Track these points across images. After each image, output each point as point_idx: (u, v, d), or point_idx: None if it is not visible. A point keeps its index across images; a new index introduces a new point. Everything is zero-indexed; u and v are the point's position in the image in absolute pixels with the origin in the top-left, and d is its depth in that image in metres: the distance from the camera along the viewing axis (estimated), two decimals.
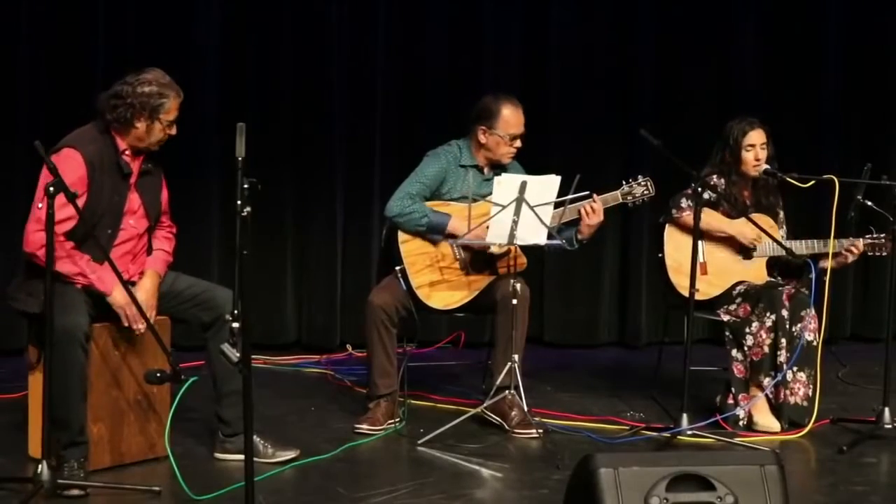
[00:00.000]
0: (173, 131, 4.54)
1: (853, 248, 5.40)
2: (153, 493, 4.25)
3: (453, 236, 5.17)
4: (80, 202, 4.32)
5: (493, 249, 5.15)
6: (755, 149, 5.45)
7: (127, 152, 4.52)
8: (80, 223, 4.31)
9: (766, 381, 5.24)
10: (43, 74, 6.45)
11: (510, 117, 5.27)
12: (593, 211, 5.16)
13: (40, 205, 4.13)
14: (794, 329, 5.25)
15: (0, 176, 6.47)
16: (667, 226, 5.51)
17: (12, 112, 6.49)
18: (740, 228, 5.42)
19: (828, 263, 5.34)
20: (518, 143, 5.29)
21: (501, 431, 5.16)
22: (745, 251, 5.46)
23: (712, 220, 5.42)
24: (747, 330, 5.29)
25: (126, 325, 4.45)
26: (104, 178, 4.44)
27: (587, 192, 5.18)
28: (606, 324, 7.37)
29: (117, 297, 4.41)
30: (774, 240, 5.32)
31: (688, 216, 5.27)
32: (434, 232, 5.21)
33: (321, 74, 6.90)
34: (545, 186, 4.92)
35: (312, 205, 6.97)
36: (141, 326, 4.45)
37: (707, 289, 5.40)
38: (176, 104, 4.52)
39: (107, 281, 4.40)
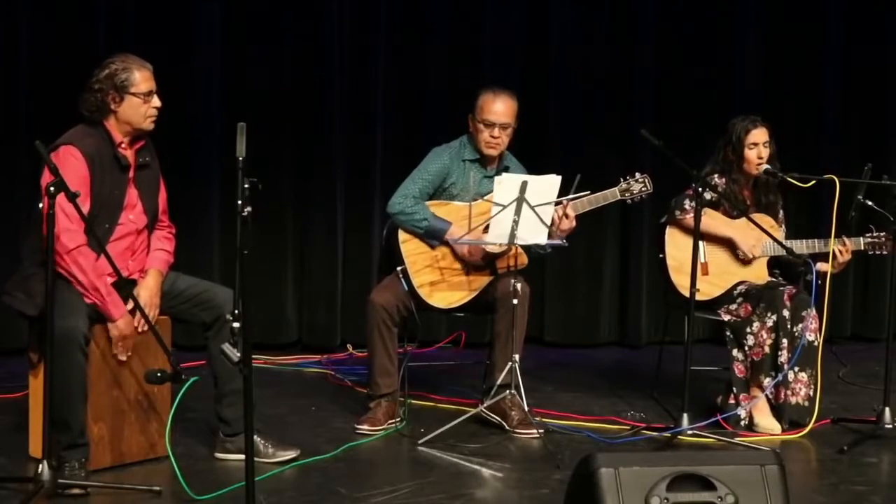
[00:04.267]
0: (157, 103, 4.51)
1: (841, 250, 5.38)
2: (154, 492, 4.25)
3: (448, 244, 5.20)
4: (86, 199, 4.32)
5: (492, 249, 5.15)
6: (758, 147, 5.45)
7: (122, 145, 4.52)
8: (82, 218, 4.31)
9: (767, 381, 5.24)
10: (43, 75, 6.45)
11: (485, 103, 5.25)
12: (566, 216, 5.16)
13: (40, 204, 4.10)
14: (795, 329, 5.25)
15: (0, 177, 6.47)
16: (668, 227, 5.51)
17: (12, 113, 6.50)
18: (741, 236, 5.42)
19: (827, 265, 5.34)
20: (496, 133, 5.25)
21: (502, 431, 5.16)
22: (745, 257, 5.45)
23: (713, 222, 5.42)
24: (748, 330, 5.29)
25: (114, 351, 4.46)
26: (104, 172, 4.44)
27: (587, 192, 5.19)
28: (607, 324, 7.37)
29: (120, 326, 4.43)
30: (774, 239, 5.32)
31: (691, 218, 5.26)
32: (431, 237, 5.21)
33: (321, 74, 6.90)
34: (546, 186, 4.92)
35: (312, 205, 6.97)
36: (125, 357, 4.48)
37: (708, 289, 5.40)
38: (144, 75, 4.48)
39: (118, 305, 4.41)
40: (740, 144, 5.45)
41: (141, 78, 4.48)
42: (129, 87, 4.45)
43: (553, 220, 5.06)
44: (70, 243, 4.30)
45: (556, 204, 5.00)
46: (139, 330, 4.49)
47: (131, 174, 4.55)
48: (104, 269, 4.35)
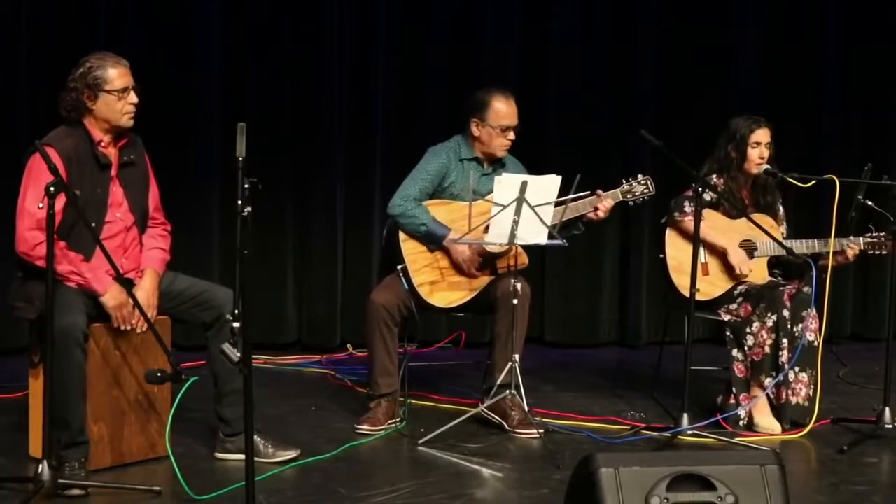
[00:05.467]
0: (133, 99, 4.49)
1: (852, 247, 5.39)
2: (154, 492, 4.25)
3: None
4: (60, 197, 4.29)
5: (492, 249, 5.15)
6: (760, 147, 5.45)
7: (103, 143, 4.50)
8: (65, 218, 4.31)
9: (767, 381, 5.24)
10: (42, 75, 6.44)
11: (501, 108, 5.28)
12: (604, 211, 5.19)
13: (41, 205, 4.11)
14: (795, 329, 5.25)
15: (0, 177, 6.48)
16: (667, 228, 5.51)
17: (12, 114, 6.49)
18: (736, 254, 5.40)
19: (828, 262, 5.34)
20: (511, 136, 5.29)
21: (502, 431, 5.16)
22: (735, 273, 5.45)
23: (710, 231, 5.40)
24: (748, 330, 5.29)
25: (115, 325, 4.46)
26: (83, 171, 4.43)
27: (588, 192, 5.19)
28: (607, 323, 7.37)
29: (110, 297, 4.42)
30: (774, 239, 5.32)
31: (690, 221, 5.25)
32: (429, 241, 5.22)
33: (321, 74, 6.90)
34: (546, 186, 4.92)
35: (312, 205, 6.97)
36: (128, 326, 4.46)
37: (708, 289, 5.40)
38: (118, 72, 4.47)
39: (101, 280, 4.40)
40: (744, 142, 5.44)
41: (115, 75, 4.47)
42: (102, 84, 4.45)
43: (589, 216, 5.19)
44: (31, 242, 4.31)
45: (557, 204, 5.00)
46: (139, 330, 4.49)
47: (114, 172, 4.54)
48: (73, 255, 4.36)
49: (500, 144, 5.31)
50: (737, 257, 5.42)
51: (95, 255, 4.38)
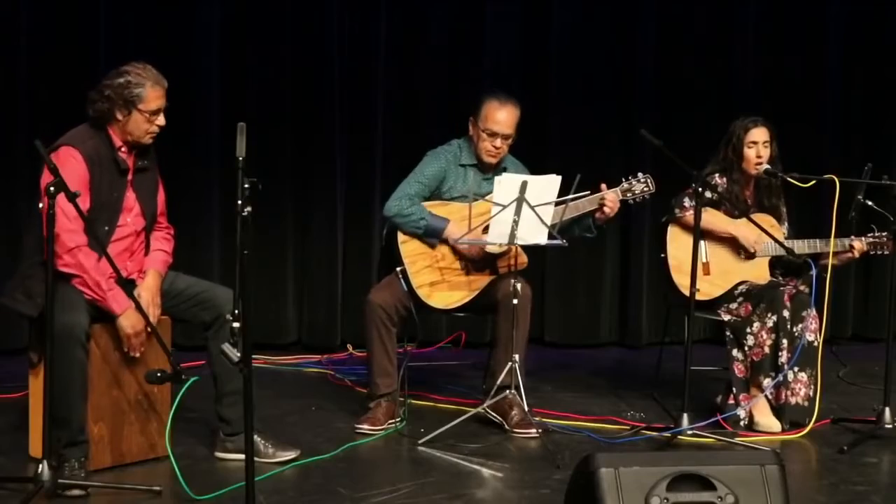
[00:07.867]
0: (160, 122, 4.49)
1: (855, 245, 5.39)
2: (154, 492, 4.25)
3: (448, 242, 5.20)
4: (85, 200, 4.31)
5: (492, 249, 5.15)
6: (757, 146, 5.45)
7: (123, 148, 4.51)
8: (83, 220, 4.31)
9: (767, 381, 5.24)
10: (43, 76, 6.45)
11: (490, 112, 5.23)
12: (612, 208, 5.18)
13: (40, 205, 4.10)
14: (795, 329, 5.25)
15: (0, 177, 6.47)
16: (669, 225, 5.51)
17: (12, 113, 6.49)
18: (744, 231, 5.42)
19: (828, 262, 5.33)
20: (498, 143, 5.24)
21: (502, 431, 5.16)
22: (748, 252, 5.46)
23: (715, 219, 5.42)
24: (748, 330, 5.29)
25: (125, 350, 4.45)
26: (103, 174, 4.44)
27: (587, 192, 5.18)
28: (607, 324, 7.37)
29: (127, 321, 4.41)
30: (775, 239, 5.32)
31: (691, 216, 5.26)
32: (430, 236, 5.21)
33: (321, 74, 6.90)
34: (546, 186, 4.91)
35: (312, 205, 6.97)
36: (137, 354, 4.48)
37: (709, 289, 5.40)
38: (156, 94, 4.45)
39: (120, 301, 4.40)
40: (740, 143, 5.45)
41: (152, 96, 4.45)
42: (137, 103, 4.43)
43: (599, 213, 5.16)
44: (70, 242, 4.31)
45: (557, 204, 5.00)
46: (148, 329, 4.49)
47: (130, 177, 4.55)
48: (105, 267, 4.35)
49: (484, 149, 5.26)
50: (748, 238, 5.40)
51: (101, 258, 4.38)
